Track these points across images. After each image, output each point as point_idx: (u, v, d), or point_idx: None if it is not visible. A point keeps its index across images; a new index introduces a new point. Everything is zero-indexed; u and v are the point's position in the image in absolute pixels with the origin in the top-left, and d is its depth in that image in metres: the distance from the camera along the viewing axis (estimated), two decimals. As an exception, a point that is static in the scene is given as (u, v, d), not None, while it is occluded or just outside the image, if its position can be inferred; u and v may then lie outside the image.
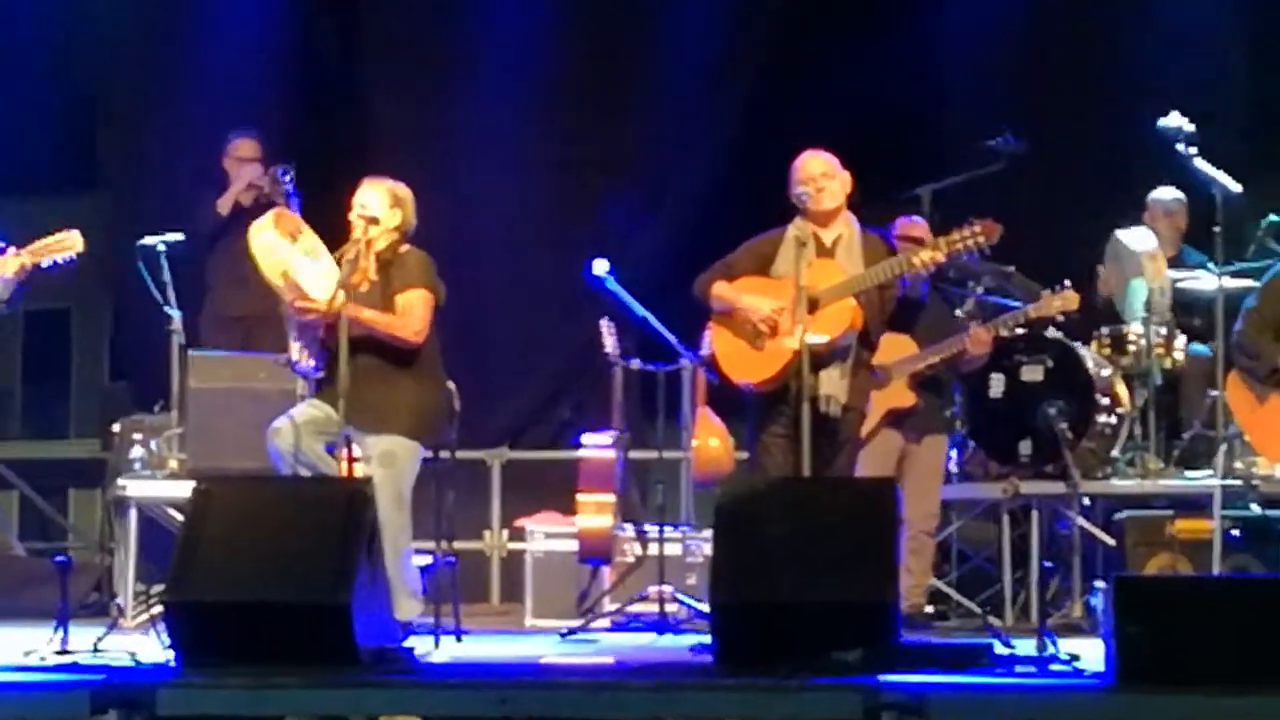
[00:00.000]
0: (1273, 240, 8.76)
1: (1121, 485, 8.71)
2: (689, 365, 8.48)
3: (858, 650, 5.78)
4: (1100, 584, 7.87)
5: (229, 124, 9.72)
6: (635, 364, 8.62)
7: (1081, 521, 8.48)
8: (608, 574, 8.55)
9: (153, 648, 6.25)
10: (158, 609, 6.57)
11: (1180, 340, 8.86)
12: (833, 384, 7.05)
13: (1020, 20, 10.07)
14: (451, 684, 5.84)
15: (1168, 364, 8.81)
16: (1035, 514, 8.72)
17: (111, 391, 11.01)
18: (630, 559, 8.54)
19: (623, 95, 10.32)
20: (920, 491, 8.14)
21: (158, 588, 7.54)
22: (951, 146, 9.72)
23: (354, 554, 6.06)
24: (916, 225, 8.30)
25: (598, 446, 8.49)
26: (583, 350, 9.52)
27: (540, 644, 7.66)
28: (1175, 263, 9.16)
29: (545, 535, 8.82)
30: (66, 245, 7.92)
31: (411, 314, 7.26)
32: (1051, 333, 8.70)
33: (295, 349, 7.27)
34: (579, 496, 8.44)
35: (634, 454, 8.71)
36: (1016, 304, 8.66)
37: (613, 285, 8.37)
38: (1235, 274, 8.58)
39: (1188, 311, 8.99)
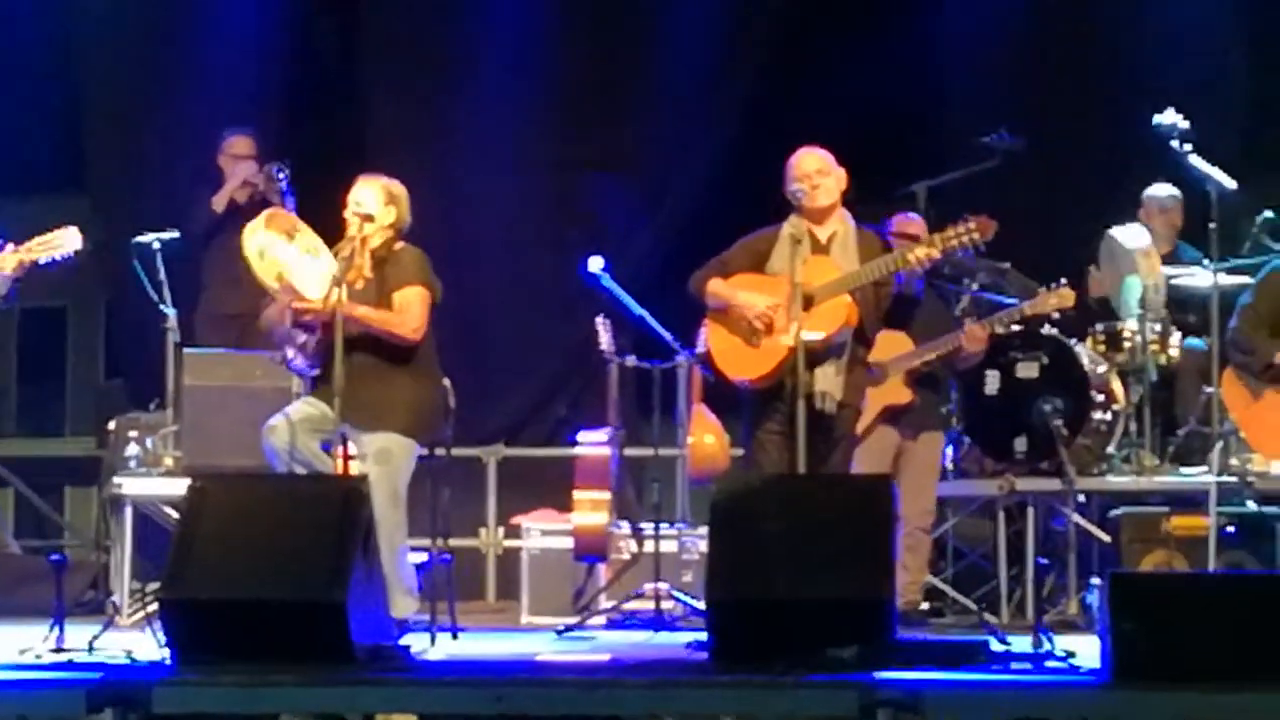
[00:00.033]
0: (1268, 237, 8.78)
1: (1117, 482, 8.72)
2: (684, 362, 8.49)
3: (853, 647, 5.79)
4: (1096, 581, 7.87)
5: (227, 123, 9.72)
6: (631, 361, 8.62)
7: (1077, 518, 8.49)
8: (603, 571, 8.55)
9: (148, 646, 6.25)
10: (153, 607, 6.56)
11: (1175, 336, 8.87)
12: (828, 381, 7.06)
13: (1019, 20, 10.08)
14: (447, 681, 5.84)
15: (1163, 360, 8.82)
16: (1031, 511, 8.72)
17: (107, 389, 11.00)
18: (626, 556, 8.54)
19: (622, 95, 10.32)
20: (916, 488, 8.15)
21: (153, 585, 7.53)
22: (951, 146, 9.73)
23: (349, 551, 6.06)
24: (913, 222, 8.31)
25: (593, 444, 8.49)
26: (579, 348, 9.52)
27: (536, 641, 7.66)
28: (1170, 259, 9.17)
29: (541, 532, 8.82)
30: (65, 242, 7.92)
31: (409, 311, 7.26)
32: (1047, 330, 8.71)
33: (289, 351, 7.28)
34: (575, 494, 8.44)
35: (629, 451, 8.71)
36: (1012, 301, 8.67)
37: (608, 282, 8.38)
38: (1230, 270, 8.59)
39: (1183, 308, 9.00)
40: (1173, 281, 8.95)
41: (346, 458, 7.21)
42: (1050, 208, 9.85)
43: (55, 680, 5.77)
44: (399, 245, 7.38)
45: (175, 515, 7.61)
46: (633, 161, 10.29)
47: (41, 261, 7.91)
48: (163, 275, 8.93)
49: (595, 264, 8.38)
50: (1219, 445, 8.35)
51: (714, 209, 9.74)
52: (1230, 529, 8.23)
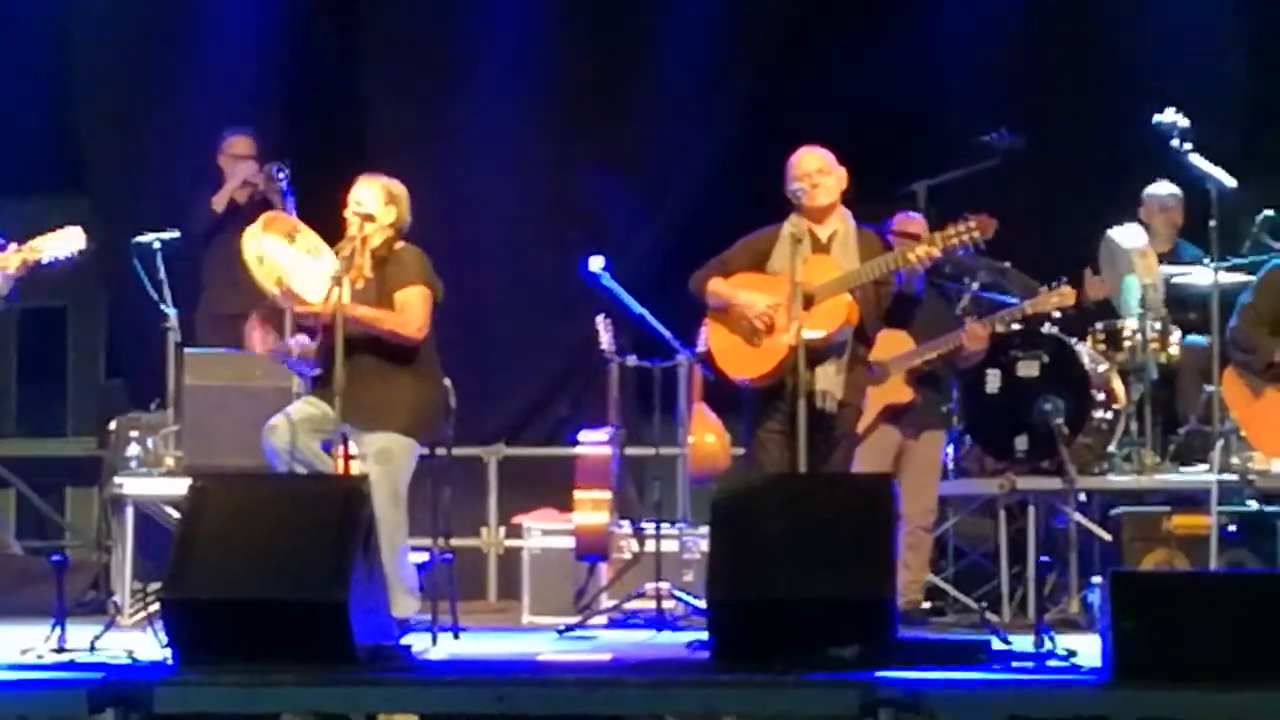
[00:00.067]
0: (1268, 236, 8.78)
1: (1118, 481, 8.72)
2: (685, 361, 8.49)
3: (854, 646, 5.79)
4: (1097, 580, 7.87)
5: (228, 123, 9.72)
6: (631, 360, 8.62)
7: (1078, 517, 8.49)
8: (605, 571, 8.55)
9: (150, 646, 6.25)
10: (155, 607, 6.57)
11: (1175, 335, 8.87)
12: (829, 380, 7.06)
13: (1019, 19, 10.07)
14: (448, 681, 5.85)
15: (1163, 359, 8.82)
16: (1032, 510, 8.72)
17: (108, 389, 11.00)
18: (627, 556, 8.54)
19: (622, 95, 10.32)
20: (918, 487, 8.16)
21: (155, 585, 7.54)
22: (951, 146, 9.73)
23: (350, 551, 6.06)
24: (914, 221, 8.31)
25: (594, 443, 8.49)
26: (579, 347, 9.52)
27: (537, 641, 7.66)
28: (1171, 258, 9.18)
29: (542, 532, 8.82)
30: (68, 241, 7.91)
31: (411, 311, 7.26)
32: (1047, 328, 8.71)
33: (293, 345, 7.29)
34: (576, 493, 8.44)
35: (630, 450, 8.71)
36: (1012, 300, 8.67)
37: (608, 282, 8.37)
38: (1230, 269, 8.59)
39: (1183, 307, 9.00)
40: (1173, 280, 8.96)
41: (347, 457, 7.21)
42: (1050, 207, 9.85)
43: (57, 680, 5.78)
44: (399, 245, 7.38)
45: (176, 515, 7.61)
46: (633, 161, 10.29)
47: (44, 261, 7.90)
48: (163, 275, 8.93)
49: (596, 263, 8.38)
50: (1220, 444, 8.34)
51: (714, 209, 9.74)
52: (1231, 528, 8.23)
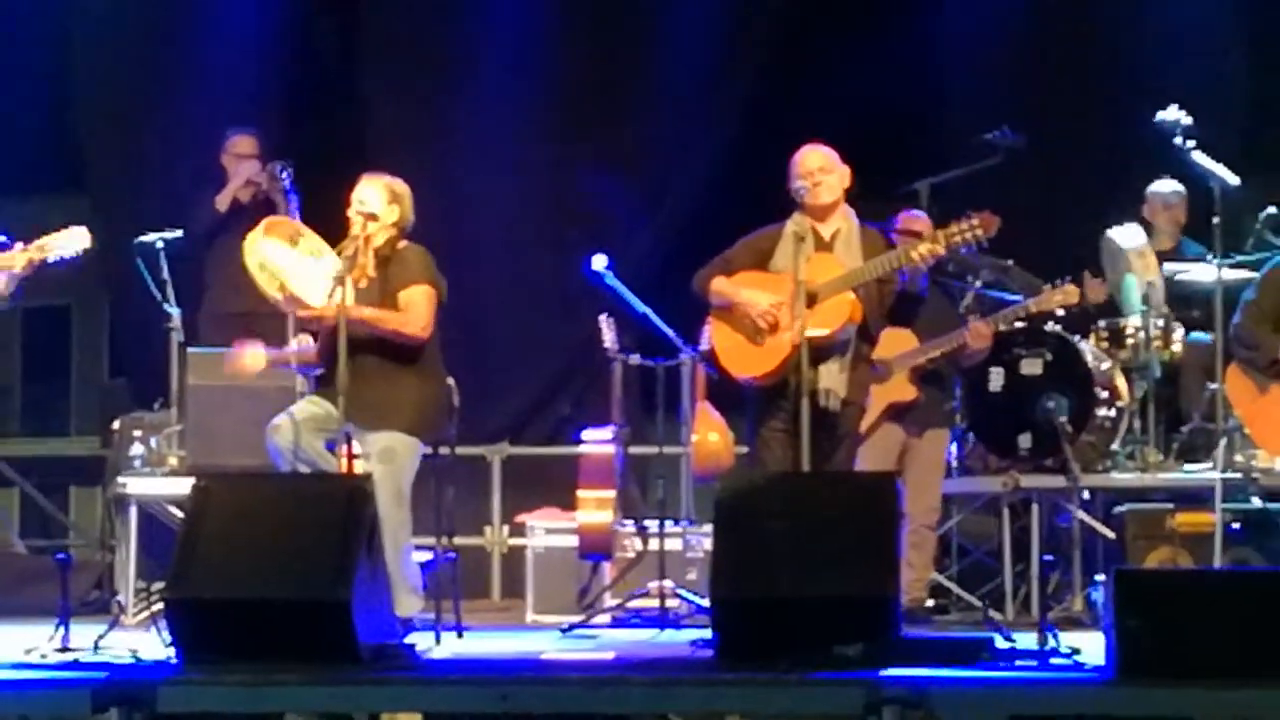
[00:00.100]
0: (1270, 233, 8.78)
1: (1121, 478, 8.72)
2: (688, 360, 8.49)
3: (858, 644, 5.78)
4: (1100, 577, 7.87)
5: (228, 123, 9.71)
6: (635, 359, 8.62)
7: (1082, 515, 8.48)
8: (608, 569, 8.55)
9: (154, 645, 6.25)
10: (158, 606, 6.57)
11: (1179, 332, 8.87)
12: (832, 378, 7.06)
13: (1019, 19, 10.08)
14: (452, 680, 5.84)
15: (1166, 356, 8.82)
16: (1035, 507, 8.72)
17: (111, 389, 11.01)
18: (631, 554, 8.54)
19: (623, 95, 10.32)
20: (922, 485, 8.16)
21: (158, 585, 7.54)
22: (952, 145, 9.73)
23: (354, 550, 6.06)
24: (918, 219, 8.31)
25: (598, 442, 8.49)
26: (582, 346, 9.52)
27: (541, 640, 7.66)
28: (1174, 255, 9.18)
29: (546, 531, 8.82)
30: (74, 241, 7.91)
31: (415, 310, 7.25)
32: (1050, 326, 8.71)
33: (290, 354, 7.31)
34: (579, 492, 8.44)
35: (634, 449, 8.71)
36: (1015, 298, 8.67)
37: (611, 280, 8.38)
38: (1234, 266, 8.59)
39: (1187, 304, 9.00)
40: (1177, 277, 8.96)
41: (351, 457, 7.21)
42: (1052, 205, 9.85)
43: (60, 680, 5.78)
44: (402, 244, 7.38)
45: (180, 515, 7.62)
46: (633, 161, 10.29)
47: (50, 260, 7.90)
48: (166, 275, 8.94)
49: (599, 262, 8.38)
50: (1223, 441, 8.35)
51: (715, 209, 9.74)
52: (1235, 526, 8.23)
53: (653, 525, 8.39)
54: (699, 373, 8.31)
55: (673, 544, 8.45)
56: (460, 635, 7.38)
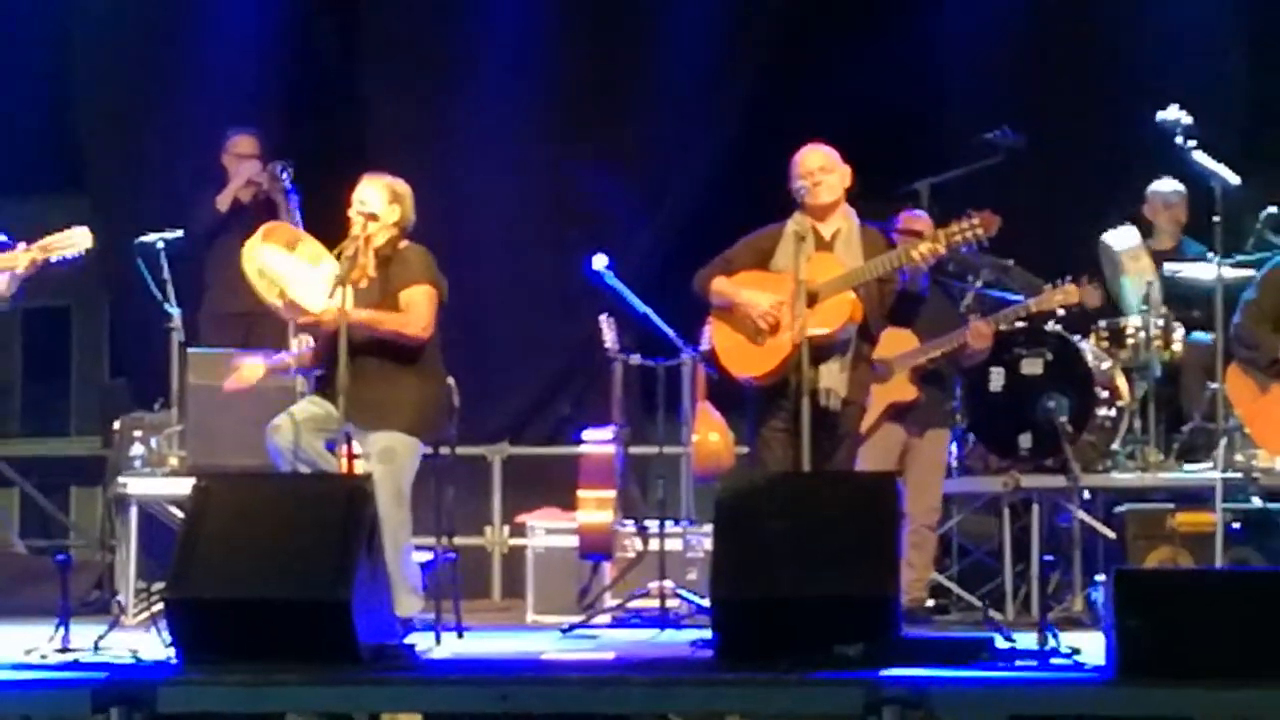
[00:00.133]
0: (1271, 233, 8.78)
1: (1122, 478, 8.72)
2: (689, 360, 8.49)
3: (859, 644, 5.78)
4: (1101, 577, 7.87)
5: (228, 123, 9.71)
6: (635, 359, 8.62)
7: (1082, 515, 8.48)
8: (608, 569, 8.55)
9: (154, 645, 6.25)
10: (159, 606, 6.57)
11: (1179, 332, 8.87)
12: (832, 378, 7.06)
13: (1020, 19, 10.08)
14: (452, 680, 5.84)
15: (1167, 356, 8.82)
16: (1035, 507, 8.72)
17: (112, 389, 11.00)
18: (631, 554, 8.54)
19: (622, 95, 10.32)
20: (922, 485, 8.16)
21: (159, 585, 7.54)
22: (951, 145, 9.73)
23: (354, 550, 6.06)
24: (919, 219, 8.31)
25: (598, 442, 8.49)
26: (582, 346, 9.52)
27: (541, 640, 7.66)
28: (1175, 254, 9.19)
29: (546, 531, 8.82)
30: (76, 241, 7.91)
31: (416, 310, 7.25)
32: (1051, 326, 8.71)
33: (289, 358, 7.32)
34: (579, 492, 8.44)
35: (634, 449, 8.71)
36: (1016, 297, 8.67)
37: (612, 280, 8.38)
38: (1234, 266, 8.59)
39: (1187, 304, 9.00)
40: (1177, 276, 8.96)
41: (351, 457, 7.21)
42: (1052, 205, 9.85)
43: (61, 680, 5.77)
44: (403, 244, 7.37)
45: (180, 515, 7.62)
46: (633, 161, 10.29)
47: (53, 260, 7.90)
48: (166, 275, 8.94)
49: (599, 262, 8.38)
50: (1224, 441, 8.35)
51: (715, 208, 9.74)
52: (1235, 525, 8.23)
53: (653, 525, 8.39)
54: (699, 373, 8.31)
55: (673, 544, 8.45)
56: (460, 635, 7.38)
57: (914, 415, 8.24)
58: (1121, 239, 8.90)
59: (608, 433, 8.48)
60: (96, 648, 6.38)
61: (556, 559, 8.72)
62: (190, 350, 8.83)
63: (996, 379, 8.69)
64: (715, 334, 7.30)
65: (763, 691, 5.53)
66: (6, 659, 6.17)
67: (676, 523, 8.67)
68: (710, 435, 8.31)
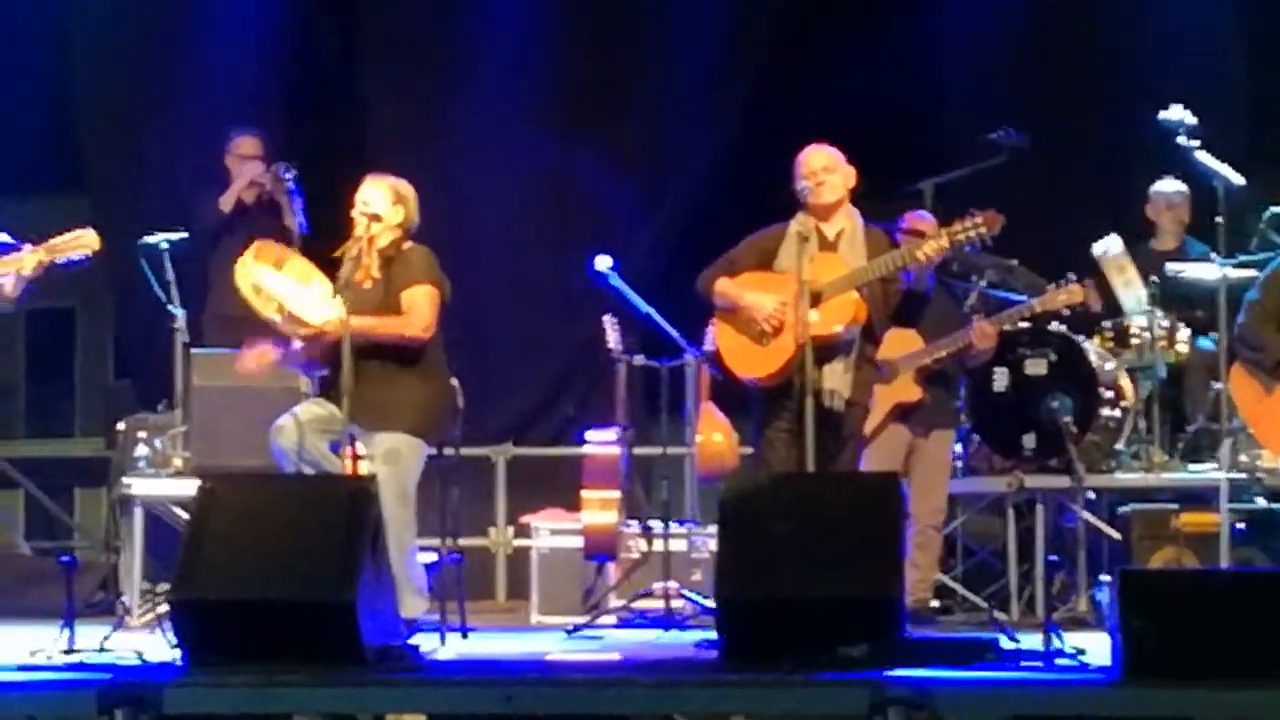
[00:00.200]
0: (1274, 233, 8.78)
1: (1126, 479, 8.72)
2: (692, 361, 8.49)
3: (863, 645, 5.78)
4: (1105, 578, 7.87)
5: (229, 123, 9.72)
6: (639, 360, 8.62)
7: (1086, 515, 8.48)
8: (613, 570, 8.55)
9: (159, 646, 6.25)
10: (163, 608, 6.57)
11: (1184, 333, 8.87)
12: (836, 378, 7.05)
13: (1022, 20, 10.08)
14: (457, 681, 5.85)
15: (1171, 357, 8.82)
16: (1040, 508, 8.72)
17: (116, 390, 11.01)
18: (635, 555, 8.54)
19: (623, 95, 10.33)
20: (927, 486, 8.16)
21: (163, 586, 7.54)
22: (954, 146, 9.73)
23: (359, 552, 6.06)
24: (923, 220, 8.31)
25: (602, 443, 8.49)
26: (586, 347, 9.53)
27: (546, 641, 7.66)
28: (1178, 255, 9.19)
29: (550, 532, 8.81)
30: (83, 243, 7.90)
31: (418, 311, 7.25)
32: (1055, 327, 8.71)
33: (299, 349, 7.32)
34: (583, 493, 8.44)
35: (638, 450, 8.71)
36: (1019, 298, 8.66)
37: (615, 281, 8.37)
38: (1238, 266, 8.58)
39: (1190, 304, 9.00)
40: (1180, 277, 8.96)
41: (355, 458, 7.21)
42: (1056, 205, 9.86)
43: (66, 681, 5.78)
44: (407, 245, 7.37)
45: (185, 516, 7.62)
46: (635, 161, 10.30)
47: (59, 262, 7.90)
48: (170, 276, 8.94)
49: (602, 262, 8.38)
50: (1229, 441, 8.34)
51: (718, 209, 9.75)
52: (1240, 526, 8.23)
53: (657, 526, 8.39)
54: (703, 373, 8.31)
55: (677, 545, 8.45)
56: (465, 636, 7.39)
57: (919, 416, 8.24)
58: (1102, 248, 8.91)
59: (612, 433, 8.49)
60: (101, 649, 6.38)
61: (561, 560, 8.72)
62: (194, 351, 8.83)
63: (1001, 379, 8.69)
64: (719, 335, 7.30)
65: (767, 692, 5.53)
66: (12, 660, 6.17)
67: (681, 523, 8.66)
68: (714, 436, 8.31)
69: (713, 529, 7.52)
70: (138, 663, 6.11)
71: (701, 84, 10.32)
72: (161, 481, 8.70)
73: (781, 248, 7.19)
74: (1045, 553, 8.50)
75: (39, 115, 10.59)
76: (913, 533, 7.56)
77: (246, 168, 9.50)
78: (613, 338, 8.45)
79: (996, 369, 8.66)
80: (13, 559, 9.48)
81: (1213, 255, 8.50)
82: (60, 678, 5.85)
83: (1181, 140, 8.34)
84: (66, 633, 6.41)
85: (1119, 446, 8.77)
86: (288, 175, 8.08)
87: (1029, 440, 8.62)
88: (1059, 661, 6.08)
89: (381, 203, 7.34)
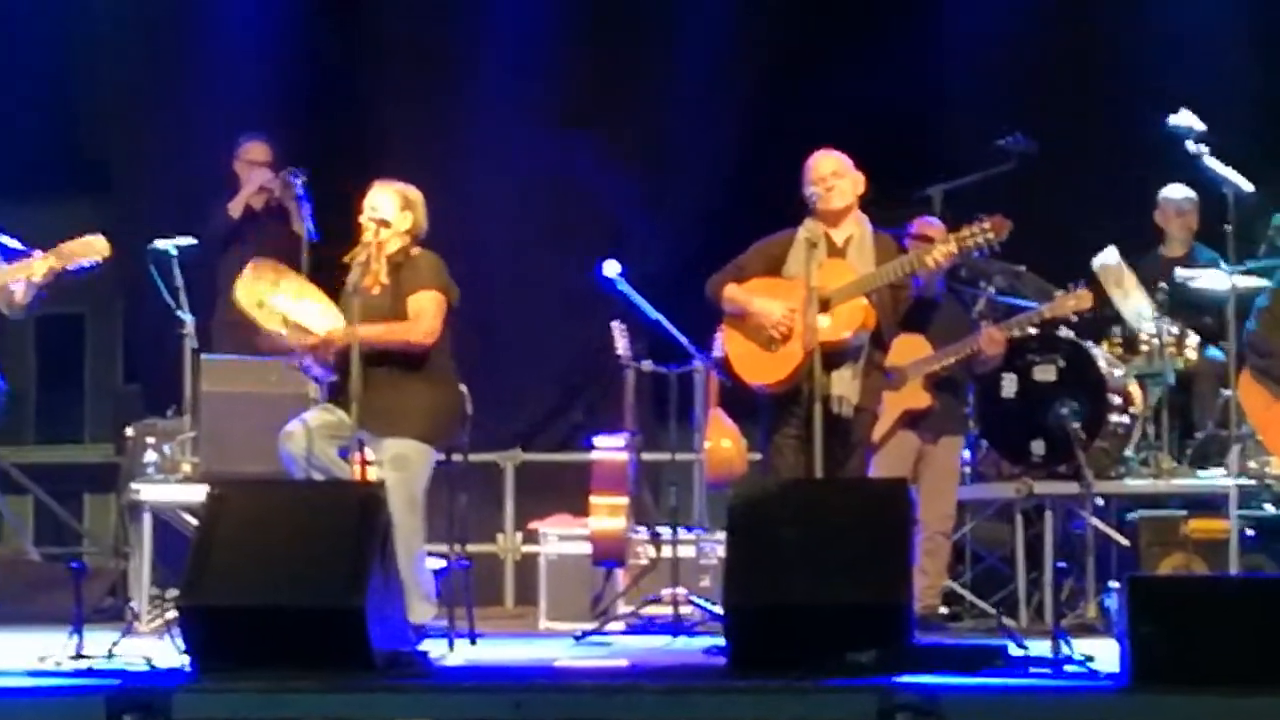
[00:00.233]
0: (1282, 238, 8.77)
1: (1135, 485, 8.71)
2: (701, 367, 8.49)
3: (871, 651, 5.78)
4: (1114, 584, 7.86)
5: (234, 128, 9.73)
6: (647, 366, 8.62)
7: (1095, 522, 8.47)
8: (621, 576, 8.55)
9: (168, 652, 6.26)
10: (172, 613, 6.57)
11: (1193, 340, 8.86)
12: (844, 385, 7.05)
13: (1028, 25, 10.07)
14: (466, 687, 5.86)
15: (1180, 364, 8.81)
16: (1049, 514, 8.71)
17: (125, 396, 11.02)
18: (644, 561, 8.54)
19: (629, 98, 10.33)
20: (936, 492, 8.16)
21: (172, 592, 7.55)
22: (961, 152, 9.71)
23: (367, 557, 6.07)
24: (932, 226, 8.29)
25: (610, 449, 8.49)
26: (595, 352, 9.52)
27: (554, 647, 7.67)
28: (1186, 261, 9.18)
29: (559, 538, 8.82)
30: (94, 249, 7.92)
31: (423, 316, 7.26)
32: (1064, 333, 8.71)
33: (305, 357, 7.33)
34: (592, 499, 8.45)
35: (646, 456, 8.71)
36: (1028, 304, 8.66)
37: (624, 286, 8.37)
38: (1246, 273, 8.57)
39: (1199, 311, 8.99)
40: (1189, 284, 8.95)
41: (364, 463, 7.21)
42: (1065, 211, 9.85)
43: (75, 687, 5.79)
44: (415, 251, 7.38)
45: (194, 521, 7.62)
46: (641, 167, 10.30)
47: (70, 268, 7.91)
48: (180, 281, 8.94)
49: (611, 268, 8.38)
50: (1237, 448, 8.33)
51: (726, 214, 9.74)
52: (1249, 532, 8.21)
53: (665, 532, 8.38)
54: (712, 379, 8.31)
55: (686, 551, 8.44)
56: (473, 642, 7.38)
57: (928, 422, 8.24)
58: (1099, 261, 8.91)
59: (620, 439, 8.49)
60: (110, 655, 6.39)
61: (569, 566, 8.72)
62: (203, 357, 8.82)
63: (1009, 385, 8.68)
64: (727, 341, 7.30)
65: (776, 698, 5.53)
66: (21, 666, 6.18)
67: (689, 529, 8.66)
68: (722, 442, 8.32)
69: (721, 535, 7.53)
70: (146, 668, 6.12)
71: (709, 88, 10.32)
72: (170, 487, 8.70)
73: (790, 254, 7.19)
74: (1054, 559, 8.48)
75: (47, 121, 10.59)
76: (921, 539, 7.57)
77: (255, 174, 9.52)
78: (621, 343, 8.45)
79: (1005, 375, 8.66)
80: (22, 565, 9.48)
81: (1221, 262, 8.49)
82: (69, 683, 5.86)
83: (1190, 146, 8.33)
84: (75, 638, 6.42)
85: (1128, 453, 8.76)
86: (296, 181, 8.09)
87: (1038, 446, 8.61)
88: (1067, 668, 6.08)
89: (390, 208, 7.35)
